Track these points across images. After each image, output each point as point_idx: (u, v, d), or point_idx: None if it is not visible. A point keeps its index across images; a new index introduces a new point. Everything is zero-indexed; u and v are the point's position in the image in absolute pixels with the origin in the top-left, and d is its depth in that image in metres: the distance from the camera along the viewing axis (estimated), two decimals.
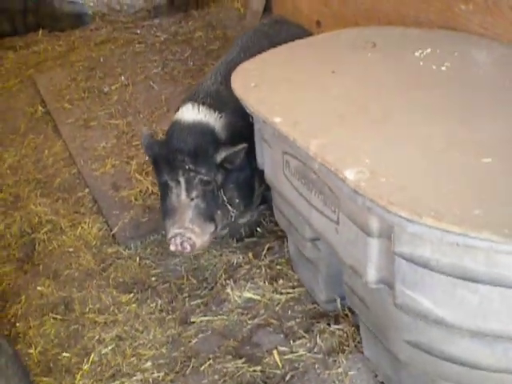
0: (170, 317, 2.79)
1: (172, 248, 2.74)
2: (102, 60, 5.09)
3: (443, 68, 2.46)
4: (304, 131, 2.10)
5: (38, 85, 4.85)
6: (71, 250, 3.24)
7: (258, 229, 3.19)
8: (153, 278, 3.02)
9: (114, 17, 6.07)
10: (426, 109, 2.17)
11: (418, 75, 2.43)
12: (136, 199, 3.47)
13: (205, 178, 2.74)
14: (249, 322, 2.70)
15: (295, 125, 2.14)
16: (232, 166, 2.77)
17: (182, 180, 2.74)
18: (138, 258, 3.13)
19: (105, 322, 2.79)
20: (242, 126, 2.82)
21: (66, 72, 4.98)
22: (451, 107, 2.17)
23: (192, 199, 2.74)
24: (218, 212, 2.82)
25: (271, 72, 2.62)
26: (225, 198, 2.82)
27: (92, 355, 2.62)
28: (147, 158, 3.09)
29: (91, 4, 6.31)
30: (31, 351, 2.67)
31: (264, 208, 3.19)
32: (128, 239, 3.24)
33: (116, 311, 2.84)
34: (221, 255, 3.07)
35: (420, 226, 1.66)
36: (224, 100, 2.89)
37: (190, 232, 2.72)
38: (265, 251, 3.01)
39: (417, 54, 2.60)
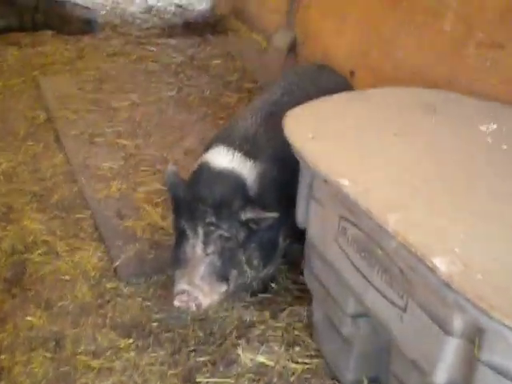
0: (173, 372, 2.51)
1: (176, 304, 2.48)
2: (113, 73, 4.83)
3: None
4: (378, 201, 1.87)
5: (42, 88, 4.57)
6: (67, 278, 2.94)
7: (273, 284, 2.94)
8: (154, 324, 2.73)
9: (125, 29, 5.86)
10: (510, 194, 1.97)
11: (490, 154, 2.23)
12: (143, 232, 3.19)
13: (225, 234, 2.49)
14: None
15: (367, 192, 1.92)
16: (257, 227, 2.53)
17: (200, 232, 2.48)
18: (139, 299, 2.85)
19: (99, 369, 2.50)
20: (277, 176, 2.62)
21: (74, 79, 4.72)
22: None
23: (207, 254, 2.48)
24: (234, 271, 2.56)
25: (328, 124, 2.41)
26: (243, 258, 2.57)
27: None
28: (168, 196, 2.77)
29: (103, 12, 6.13)
30: None
31: (281, 262, 2.95)
32: (130, 275, 2.95)
33: (113, 357, 2.55)
34: (232, 308, 2.81)
35: None
36: (261, 145, 2.67)
37: (198, 291, 2.46)
38: (285, 312, 2.76)
39: (483, 128, 2.42)
